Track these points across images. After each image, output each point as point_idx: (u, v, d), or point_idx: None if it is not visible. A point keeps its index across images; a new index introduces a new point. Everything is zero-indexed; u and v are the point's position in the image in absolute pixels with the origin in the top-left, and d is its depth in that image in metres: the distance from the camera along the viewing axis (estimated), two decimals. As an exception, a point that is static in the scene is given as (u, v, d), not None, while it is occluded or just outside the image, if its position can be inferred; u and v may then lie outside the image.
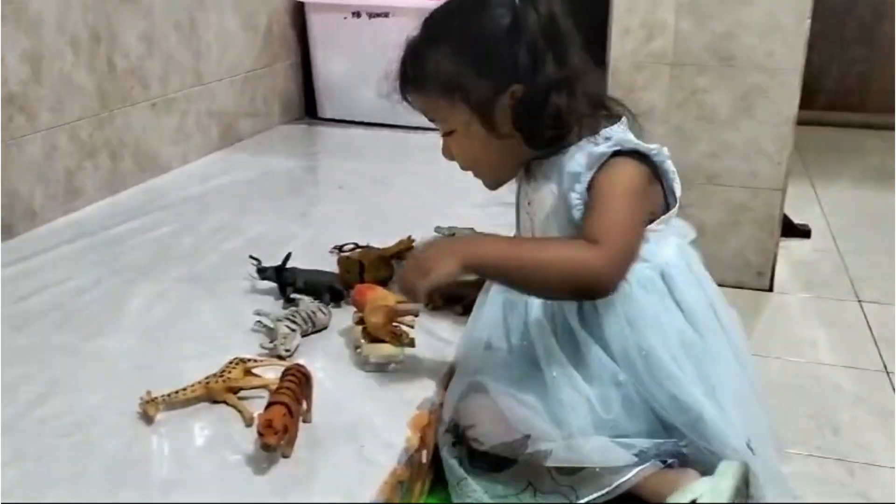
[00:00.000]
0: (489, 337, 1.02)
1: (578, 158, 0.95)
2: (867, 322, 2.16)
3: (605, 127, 0.98)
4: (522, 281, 0.91)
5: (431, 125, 2.22)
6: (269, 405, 0.82)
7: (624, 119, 1.01)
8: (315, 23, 2.16)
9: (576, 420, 0.92)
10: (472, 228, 1.41)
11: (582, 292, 0.91)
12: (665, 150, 0.97)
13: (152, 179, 1.69)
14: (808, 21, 2.09)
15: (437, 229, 1.41)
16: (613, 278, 0.89)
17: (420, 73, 0.99)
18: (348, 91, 2.21)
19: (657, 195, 0.98)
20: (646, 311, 0.94)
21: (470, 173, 1.07)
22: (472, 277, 0.98)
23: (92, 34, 1.50)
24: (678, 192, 0.99)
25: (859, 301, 2.28)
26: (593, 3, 2.42)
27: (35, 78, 1.39)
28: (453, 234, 1.39)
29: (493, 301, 1.02)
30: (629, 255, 0.91)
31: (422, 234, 1.37)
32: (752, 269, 2.30)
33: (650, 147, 0.95)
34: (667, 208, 0.99)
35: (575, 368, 0.94)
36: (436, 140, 2.19)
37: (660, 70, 2.21)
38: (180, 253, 1.35)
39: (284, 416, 0.80)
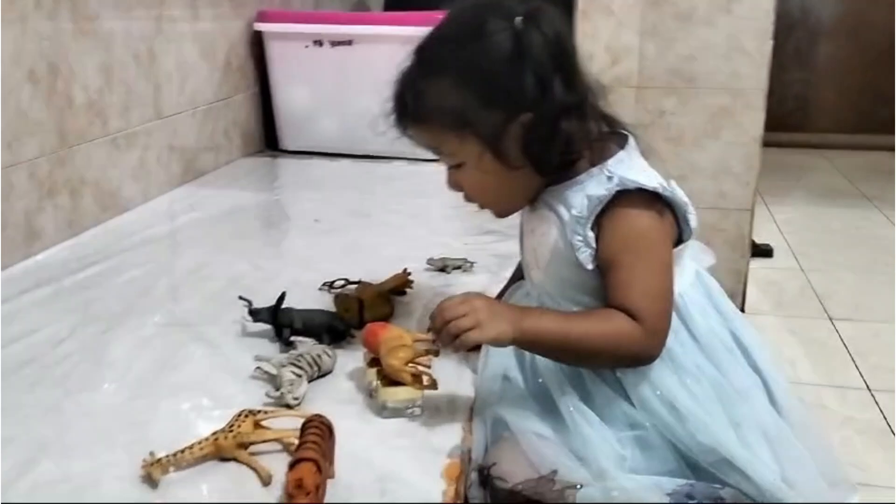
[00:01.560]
0: (505, 369, 0.98)
1: (580, 199, 0.91)
2: (841, 340, 2.17)
3: (615, 151, 0.94)
4: (573, 358, 0.91)
5: (400, 155, 2.18)
6: (296, 462, 0.75)
7: (632, 140, 0.97)
8: (275, 52, 2.10)
9: (601, 458, 0.87)
10: (464, 259, 1.35)
11: (628, 364, 0.91)
12: (673, 183, 0.93)
13: (114, 219, 1.60)
14: (771, 42, 2.11)
15: (430, 261, 1.35)
16: (657, 349, 0.89)
17: (422, 108, 0.93)
18: (310, 122, 2.14)
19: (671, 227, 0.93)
20: None
21: (473, 205, 1.01)
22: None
23: (50, 67, 1.41)
24: (693, 224, 0.94)
25: (830, 318, 2.29)
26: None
27: (-9, 114, 1.29)
28: (445, 267, 1.34)
29: None
30: (667, 321, 0.90)
31: (413, 266, 1.31)
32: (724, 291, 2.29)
33: (655, 185, 0.90)
34: (680, 239, 0.95)
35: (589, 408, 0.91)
36: (404, 170, 2.14)
37: (625, 93, 2.21)
38: (158, 296, 1.26)
39: (315, 474, 0.73)
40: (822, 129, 4.30)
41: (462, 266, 1.34)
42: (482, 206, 1.00)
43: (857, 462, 1.64)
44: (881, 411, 1.84)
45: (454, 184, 0.98)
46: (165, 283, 1.30)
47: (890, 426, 1.79)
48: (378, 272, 1.29)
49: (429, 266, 1.35)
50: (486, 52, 0.89)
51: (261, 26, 2.08)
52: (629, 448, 0.89)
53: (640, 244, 0.90)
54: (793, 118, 4.30)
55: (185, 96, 1.84)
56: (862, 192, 3.52)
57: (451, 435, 0.89)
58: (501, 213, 1.02)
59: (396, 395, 0.92)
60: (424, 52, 0.94)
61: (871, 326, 2.26)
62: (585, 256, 0.91)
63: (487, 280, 1.31)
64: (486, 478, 0.89)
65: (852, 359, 2.07)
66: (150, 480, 0.80)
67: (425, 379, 0.91)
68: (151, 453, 0.81)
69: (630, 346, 0.88)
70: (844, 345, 2.14)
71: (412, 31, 2.01)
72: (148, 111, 1.70)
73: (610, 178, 0.90)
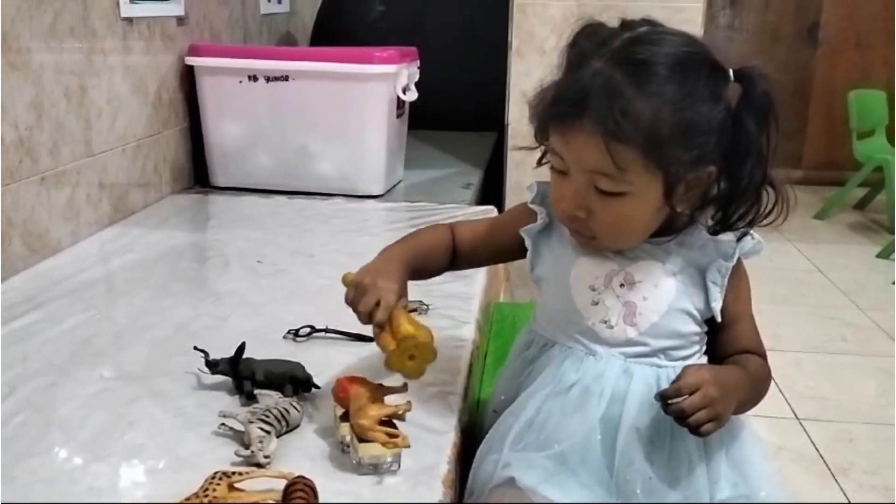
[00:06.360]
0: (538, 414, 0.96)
1: (724, 248, 0.94)
2: (767, 369, 2.24)
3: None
4: (744, 406, 0.94)
5: (336, 192, 2.13)
6: (286, 530, 0.72)
7: None
8: (207, 87, 2.05)
9: None
10: (420, 301, 1.34)
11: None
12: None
13: (44, 262, 1.51)
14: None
15: (385, 305, 1.32)
16: None
17: (631, 125, 0.84)
18: (243, 158, 2.10)
19: None
20: None
21: None
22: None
23: (-22, 103, 1.34)
24: None
25: (754, 349, 2.37)
26: (491, 67, 2.44)
27: (-85, 154, 1.21)
28: (404, 308, 1.31)
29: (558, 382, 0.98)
30: None
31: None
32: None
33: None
34: None
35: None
36: (342, 207, 2.09)
37: (559, 132, 2.23)
38: (102, 346, 1.19)
39: (308, 542, 0.70)
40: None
41: (418, 308, 1.33)
42: (601, 235, 0.93)
43: (797, 492, 1.69)
44: (810, 439, 1.91)
45: (581, 205, 0.90)
46: (108, 332, 1.24)
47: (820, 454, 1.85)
48: (335, 316, 1.26)
49: (384, 309, 1.32)
50: (713, 94, 0.87)
51: (192, 60, 2.03)
52: None
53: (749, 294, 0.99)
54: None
55: (115, 132, 1.77)
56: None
57: (432, 490, 0.87)
58: (617, 246, 0.96)
59: (372, 451, 0.89)
60: (648, 68, 0.86)
61: (794, 356, 2.35)
62: (717, 304, 0.95)
63: (445, 323, 1.30)
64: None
65: (779, 389, 2.14)
66: (122, 553, 0.75)
67: (399, 440, 0.88)
68: (122, 524, 0.77)
69: (768, 384, 0.99)
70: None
71: (349, 69, 2.01)
72: (78, 148, 1.63)
73: (753, 237, 0.95)
